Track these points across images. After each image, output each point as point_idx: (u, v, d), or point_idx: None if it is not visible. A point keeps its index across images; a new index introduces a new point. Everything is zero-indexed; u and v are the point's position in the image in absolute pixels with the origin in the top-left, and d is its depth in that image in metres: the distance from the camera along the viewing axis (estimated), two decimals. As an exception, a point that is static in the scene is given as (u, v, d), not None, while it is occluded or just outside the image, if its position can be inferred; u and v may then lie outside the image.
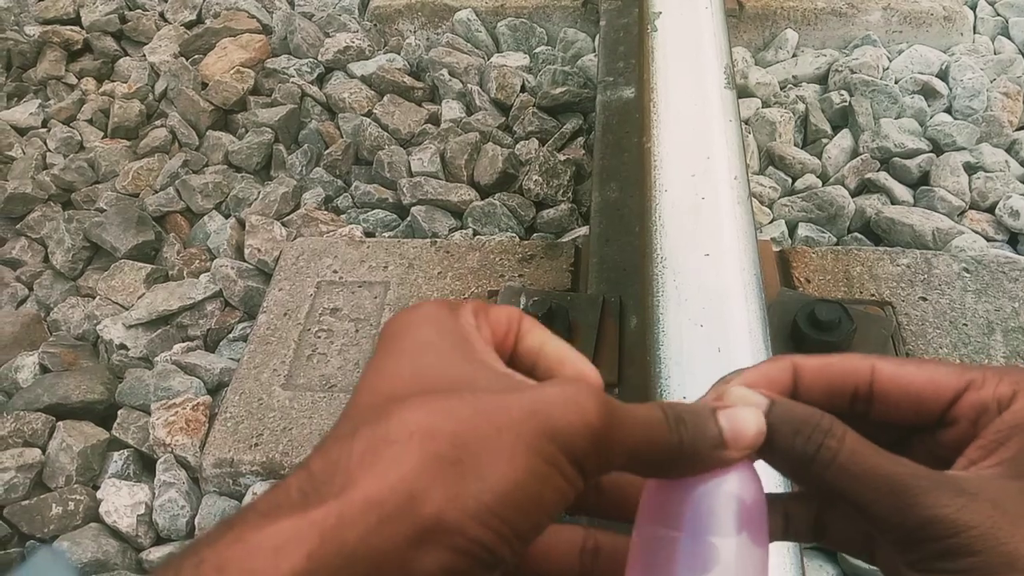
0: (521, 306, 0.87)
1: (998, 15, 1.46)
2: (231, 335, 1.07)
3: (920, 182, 1.18)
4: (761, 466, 0.33)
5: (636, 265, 0.85)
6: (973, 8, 1.46)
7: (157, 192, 1.26)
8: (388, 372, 0.31)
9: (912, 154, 1.19)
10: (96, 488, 0.92)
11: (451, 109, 1.34)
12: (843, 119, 1.28)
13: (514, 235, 1.14)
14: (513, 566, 0.28)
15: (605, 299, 0.88)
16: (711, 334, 0.70)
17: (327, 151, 1.29)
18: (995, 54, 1.38)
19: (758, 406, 0.32)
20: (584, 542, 0.35)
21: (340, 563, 0.25)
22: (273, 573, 0.25)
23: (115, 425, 0.97)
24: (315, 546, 0.25)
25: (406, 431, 0.27)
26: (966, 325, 0.90)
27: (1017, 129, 1.25)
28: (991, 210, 1.14)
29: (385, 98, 1.35)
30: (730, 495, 0.32)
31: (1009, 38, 1.42)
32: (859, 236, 1.13)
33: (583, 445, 0.29)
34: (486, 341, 0.34)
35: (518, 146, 1.25)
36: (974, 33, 1.43)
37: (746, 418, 0.32)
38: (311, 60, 1.44)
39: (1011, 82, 1.29)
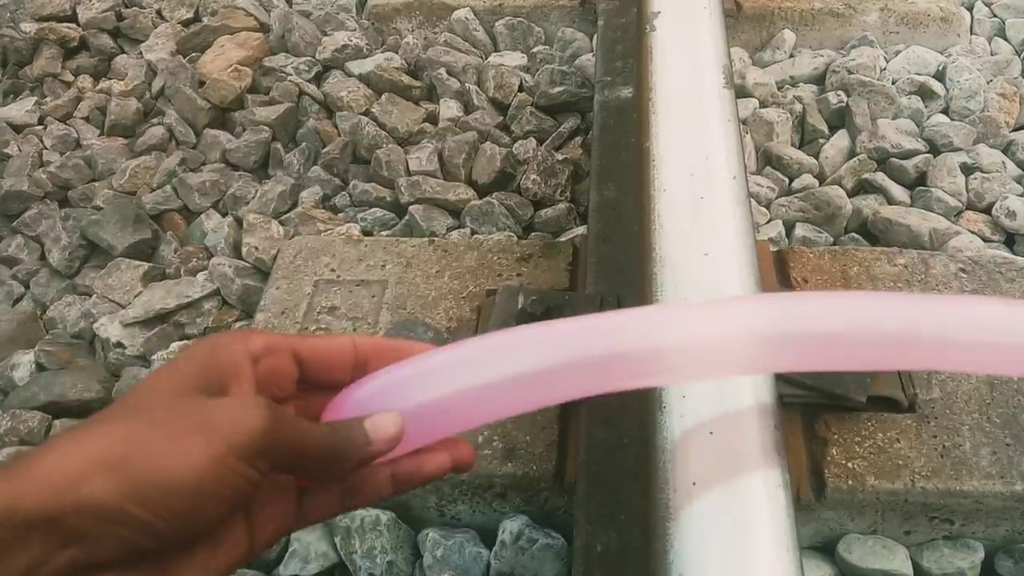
0: (519, 305, 0.87)
1: (995, 16, 1.46)
2: (228, 334, 1.07)
3: (917, 182, 1.18)
4: None
5: (634, 264, 0.85)
6: (970, 9, 1.46)
7: (154, 190, 1.25)
8: (130, 396, 0.40)
9: (909, 155, 1.20)
10: (93, 487, 0.92)
11: (449, 108, 1.34)
12: (840, 119, 1.28)
13: (512, 234, 1.14)
14: (185, 539, 0.37)
15: (603, 298, 0.88)
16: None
17: (325, 150, 1.28)
18: (992, 55, 1.39)
19: (396, 414, 0.43)
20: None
21: (19, 520, 0.33)
22: None
23: (112, 423, 0.97)
24: (4, 504, 0.33)
25: (90, 437, 0.36)
26: (963, 325, 0.90)
27: (1014, 130, 1.26)
28: (988, 211, 1.14)
29: (383, 97, 1.35)
30: None
31: (1006, 39, 1.42)
32: (856, 236, 1.13)
33: (250, 445, 0.37)
34: (247, 375, 0.42)
35: (516, 145, 1.25)
36: (971, 34, 1.43)
37: (386, 419, 0.43)
38: (309, 58, 1.43)
39: (1008, 83, 1.30)
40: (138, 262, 1.15)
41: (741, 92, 1.31)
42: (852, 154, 1.22)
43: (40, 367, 1.05)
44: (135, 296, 1.10)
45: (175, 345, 1.04)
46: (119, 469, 0.35)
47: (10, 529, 0.33)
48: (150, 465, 0.35)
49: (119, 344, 1.05)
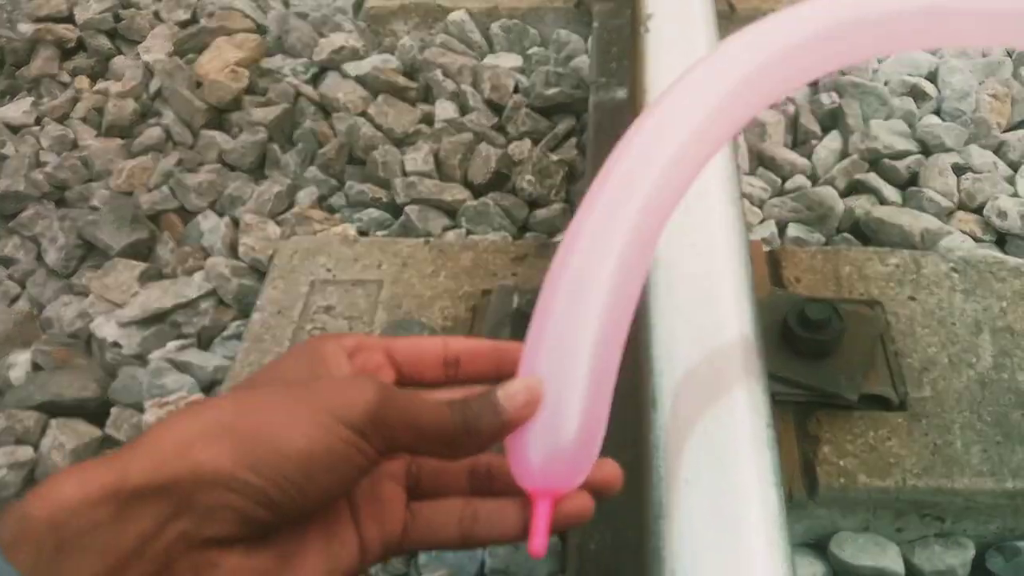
0: (514, 305, 0.88)
1: (987, 18, 1.47)
2: (225, 333, 1.07)
3: (909, 183, 1.19)
4: None
5: (628, 264, 0.86)
6: (962, 11, 1.47)
7: (151, 191, 1.26)
8: (238, 385, 0.42)
9: (901, 155, 1.20)
10: (89, 486, 0.92)
11: (445, 109, 1.34)
12: (833, 121, 1.29)
13: (507, 234, 1.15)
14: (299, 511, 0.36)
15: (598, 298, 0.89)
16: (703, 332, 0.70)
17: (321, 150, 1.29)
18: (983, 56, 1.39)
19: (531, 379, 0.41)
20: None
21: (127, 494, 0.32)
22: (73, 497, 0.32)
23: (108, 423, 0.97)
24: (109, 480, 0.32)
25: (199, 411, 0.36)
26: (954, 324, 0.91)
27: (1005, 131, 1.27)
28: (979, 211, 1.15)
29: (379, 98, 1.35)
30: None
31: (998, 41, 1.43)
32: (848, 236, 1.14)
33: (360, 418, 0.36)
34: (348, 368, 0.43)
35: (511, 146, 1.26)
36: (963, 36, 1.44)
37: (518, 386, 0.40)
38: (305, 60, 1.44)
39: (999, 84, 1.31)
40: (135, 262, 1.15)
41: (735, 93, 1.31)
42: (844, 155, 1.23)
43: (36, 367, 1.05)
44: (132, 296, 1.11)
45: (171, 345, 1.05)
46: (230, 436, 0.34)
47: (118, 504, 0.32)
48: (261, 431, 0.35)
49: (116, 344, 1.06)
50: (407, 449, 0.39)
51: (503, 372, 0.43)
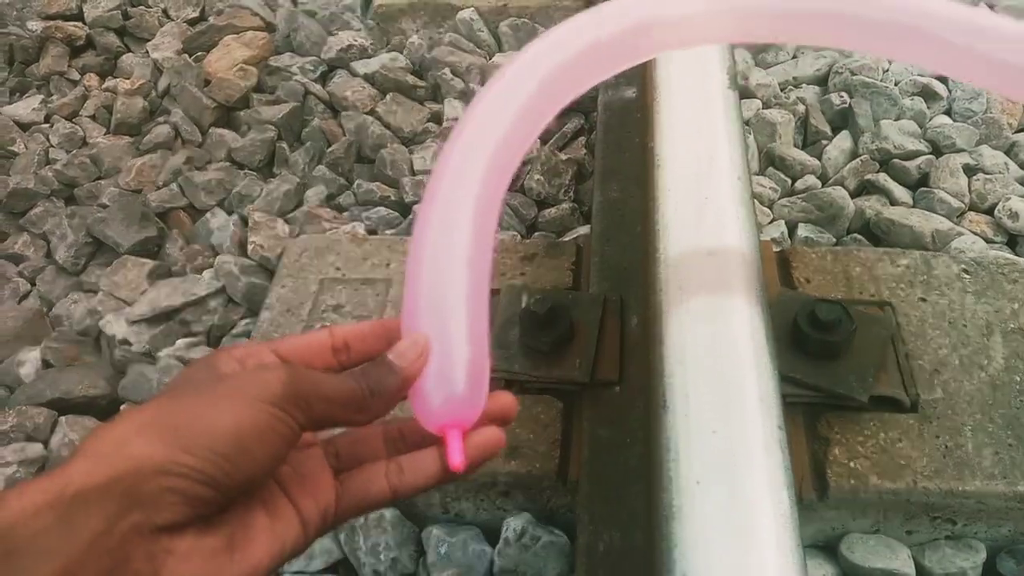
0: (523, 304, 0.87)
1: (998, 18, 1.46)
2: (234, 331, 1.07)
3: (919, 183, 1.19)
4: None
5: (638, 264, 0.86)
6: (973, 11, 1.46)
7: (160, 188, 1.26)
8: (155, 400, 0.42)
9: (912, 156, 1.20)
10: (99, 483, 0.92)
11: (453, 108, 1.34)
12: (843, 121, 1.28)
13: (516, 234, 1.15)
14: (237, 485, 0.39)
15: (607, 298, 0.89)
16: (714, 333, 0.70)
17: (330, 149, 1.29)
18: (995, 57, 1.39)
19: (417, 336, 0.46)
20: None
21: (70, 498, 0.34)
22: (15, 508, 0.33)
23: (118, 420, 0.97)
24: (51, 487, 0.34)
25: (128, 416, 0.38)
26: (965, 326, 0.90)
27: (1016, 131, 1.26)
28: (990, 212, 1.15)
29: (388, 96, 1.35)
30: None
31: (1009, 41, 1.42)
32: (859, 237, 1.13)
33: (277, 394, 0.40)
34: (236, 368, 0.45)
35: (520, 145, 1.25)
36: (974, 36, 1.43)
37: (406, 345, 0.46)
38: (314, 58, 1.44)
39: (1011, 85, 1.30)
40: (144, 260, 1.16)
41: (744, 93, 1.31)
42: (855, 155, 1.22)
43: (46, 364, 1.05)
44: (141, 294, 1.11)
45: (180, 343, 1.05)
46: (161, 427, 0.37)
47: (63, 507, 0.34)
48: (190, 418, 0.38)
49: (125, 341, 1.06)
50: (323, 419, 0.43)
51: (393, 345, 0.48)
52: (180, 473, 0.36)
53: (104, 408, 1.00)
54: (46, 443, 0.96)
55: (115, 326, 1.07)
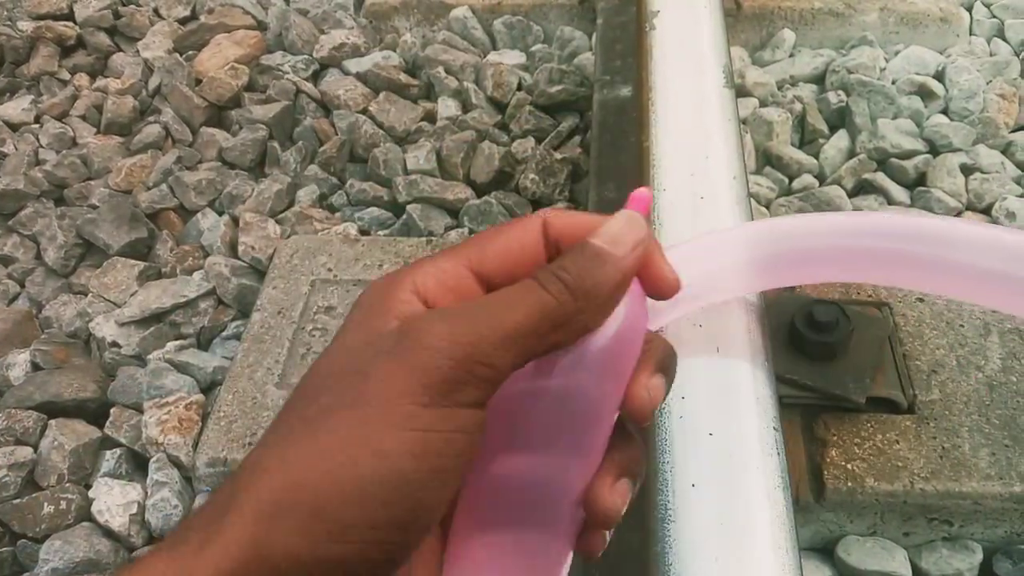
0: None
1: (994, 17, 1.46)
2: (224, 333, 1.06)
3: (917, 183, 1.18)
4: None
5: (633, 264, 0.85)
6: (969, 10, 1.46)
7: (150, 189, 1.25)
8: (304, 389, 0.31)
9: (909, 155, 1.19)
10: (88, 487, 0.91)
11: (447, 107, 1.33)
12: (840, 119, 1.28)
13: (510, 234, 1.14)
14: (418, 537, 0.29)
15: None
16: (711, 334, 0.69)
17: (322, 148, 1.28)
18: (991, 56, 1.38)
19: (626, 213, 0.33)
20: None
21: None
22: None
23: (107, 423, 0.96)
24: None
25: (257, 470, 0.28)
26: (963, 326, 0.90)
27: (1013, 131, 1.26)
28: (987, 211, 1.14)
29: (380, 95, 1.34)
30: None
31: (1005, 40, 1.42)
32: (855, 236, 1.12)
33: (438, 381, 0.28)
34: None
35: (514, 144, 1.24)
36: (970, 35, 1.43)
37: (615, 220, 0.32)
38: (306, 57, 1.43)
39: (1007, 84, 1.29)
40: (134, 261, 1.14)
41: (741, 91, 1.30)
42: (852, 154, 1.22)
43: (36, 366, 1.04)
44: (131, 295, 1.10)
45: (171, 345, 1.04)
46: (296, 508, 0.27)
47: None
48: (328, 482, 0.27)
49: (115, 343, 1.05)
50: (513, 365, 0.30)
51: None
52: (334, 568, 0.27)
53: (94, 411, 0.99)
54: (35, 446, 0.95)
55: (105, 328, 1.06)
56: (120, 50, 1.53)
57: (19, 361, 1.04)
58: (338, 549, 0.27)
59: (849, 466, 0.78)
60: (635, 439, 0.35)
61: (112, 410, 0.97)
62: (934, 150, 1.21)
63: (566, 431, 0.32)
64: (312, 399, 0.30)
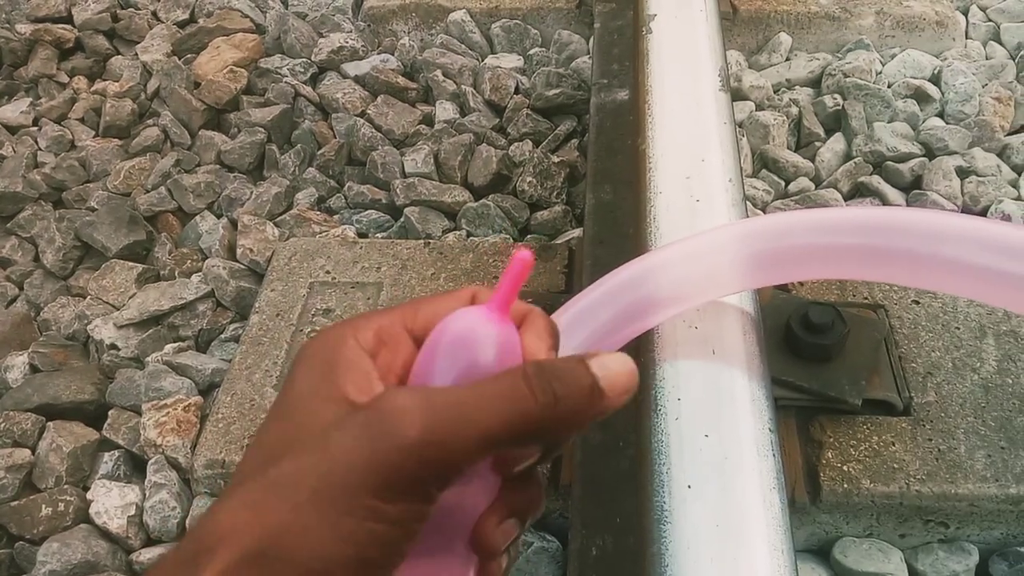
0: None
1: (990, 20, 1.47)
2: (223, 336, 1.06)
3: (912, 186, 1.18)
4: None
5: (630, 267, 0.85)
6: (965, 13, 1.47)
7: (149, 191, 1.25)
8: (263, 436, 0.32)
9: (905, 158, 1.20)
10: (86, 489, 0.91)
11: (445, 110, 1.34)
12: (836, 123, 1.28)
13: (508, 237, 1.14)
14: None
15: (599, 301, 0.88)
16: (706, 336, 0.70)
17: (320, 151, 1.28)
18: (987, 59, 1.39)
19: (624, 356, 0.33)
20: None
21: None
22: None
23: (105, 426, 0.96)
24: None
25: (216, 536, 0.29)
26: (958, 328, 0.90)
27: (1009, 134, 1.26)
28: (983, 214, 1.14)
29: (379, 99, 1.34)
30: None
31: (1000, 43, 1.42)
32: (852, 239, 1.13)
33: (402, 473, 0.28)
34: (374, 370, 0.33)
35: (512, 148, 1.25)
36: (966, 38, 1.44)
37: (617, 361, 0.32)
38: (304, 60, 1.43)
39: (1002, 87, 1.30)
40: (132, 263, 1.15)
41: (737, 95, 1.31)
42: (848, 157, 1.22)
43: (34, 369, 1.04)
44: (129, 298, 1.10)
45: (169, 347, 1.04)
46: (267, 569, 0.28)
47: None
48: (285, 545, 0.29)
49: (113, 346, 1.05)
50: (468, 463, 0.30)
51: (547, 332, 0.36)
52: None
53: (92, 413, 0.99)
54: (33, 449, 0.95)
55: (103, 330, 1.06)
56: (119, 53, 1.53)
57: (17, 363, 1.04)
58: None
59: (845, 468, 0.79)
60: (534, 482, 0.35)
61: (110, 412, 0.97)
62: (930, 153, 1.22)
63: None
64: (273, 460, 0.31)
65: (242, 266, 1.13)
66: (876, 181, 1.17)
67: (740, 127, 1.25)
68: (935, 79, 1.33)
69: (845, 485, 0.78)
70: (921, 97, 1.30)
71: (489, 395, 0.29)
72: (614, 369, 0.32)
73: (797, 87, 1.36)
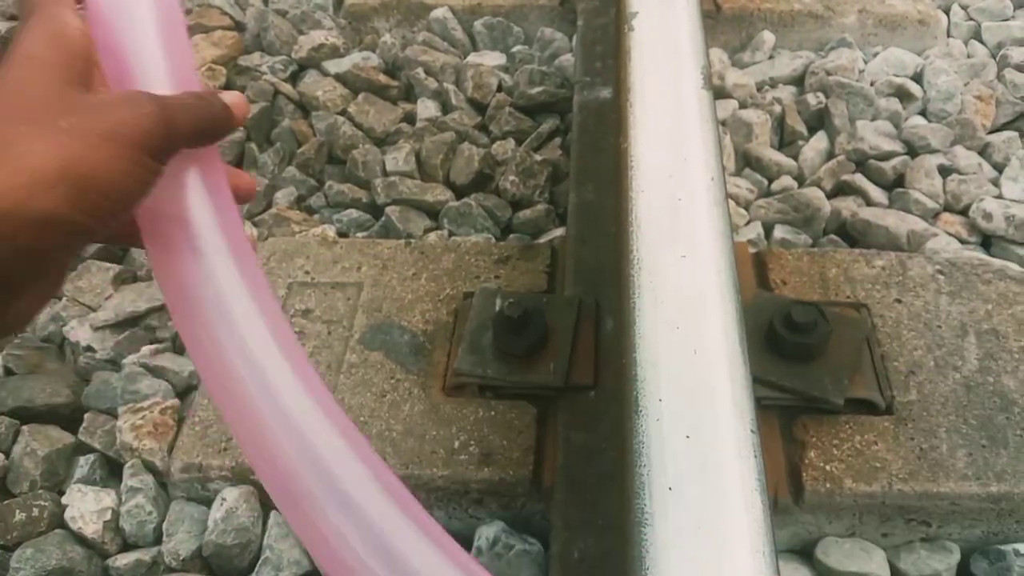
0: (497, 308, 0.86)
1: (971, 19, 1.47)
2: (201, 337, 1.05)
3: (895, 184, 1.19)
4: None
5: (612, 267, 0.85)
6: (947, 12, 1.47)
7: (126, 191, 1.23)
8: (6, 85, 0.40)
9: (887, 156, 1.20)
10: (61, 493, 0.90)
11: (427, 108, 1.32)
12: (819, 121, 1.28)
13: (490, 236, 1.14)
14: (108, 235, 0.40)
15: (582, 301, 0.88)
16: (687, 336, 0.69)
17: (300, 150, 1.27)
18: (968, 58, 1.39)
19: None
20: None
21: None
22: None
23: (81, 429, 0.95)
24: None
25: (28, 167, 0.37)
26: (940, 327, 0.90)
27: (990, 132, 1.26)
28: (964, 212, 1.15)
29: (359, 96, 1.33)
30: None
31: (982, 42, 1.43)
32: (835, 238, 1.13)
33: (156, 141, 0.40)
34: (79, 55, 0.42)
35: (494, 146, 1.24)
36: (948, 37, 1.44)
37: (235, 94, 0.46)
38: (284, 57, 1.42)
39: (984, 86, 1.30)
40: (109, 264, 1.13)
41: (720, 93, 1.30)
42: (831, 156, 1.22)
43: (8, 371, 1.02)
44: (105, 299, 1.08)
45: (146, 349, 1.02)
46: (64, 184, 0.37)
47: None
48: (89, 176, 0.38)
49: (89, 348, 1.03)
50: (177, 148, 0.42)
51: None
52: (70, 231, 0.38)
53: (68, 416, 0.98)
54: (7, 452, 0.93)
55: (79, 332, 1.04)
56: (96, 50, 1.51)
57: (-9, 366, 1.03)
58: (82, 219, 0.37)
59: (827, 467, 0.78)
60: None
61: (86, 415, 0.96)
62: (912, 151, 1.22)
63: None
64: (44, 110, 0.39)
65: (221, 266, 1.11)
66: (859, 179, 1.17)
67: (723, 125, 1.25)
68: (917, 77, 1.34)
69: (828, 485, 0.77)
70: (903, 95, 1.30)
71: (190, 103, 0.43)
72: (235, 98, 0.46)
73: (780, 85, 1.35)
